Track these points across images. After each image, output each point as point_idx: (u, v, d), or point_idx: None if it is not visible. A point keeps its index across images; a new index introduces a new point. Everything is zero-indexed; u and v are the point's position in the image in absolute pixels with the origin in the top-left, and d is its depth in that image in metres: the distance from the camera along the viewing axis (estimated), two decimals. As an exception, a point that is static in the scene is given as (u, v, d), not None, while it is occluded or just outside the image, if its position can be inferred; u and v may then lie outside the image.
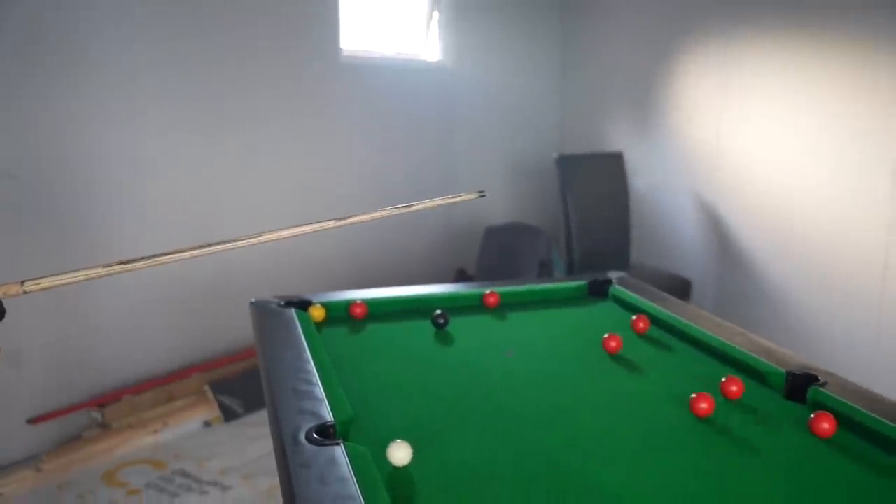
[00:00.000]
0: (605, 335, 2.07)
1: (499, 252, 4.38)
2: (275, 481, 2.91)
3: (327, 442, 1.45)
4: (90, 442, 3.29)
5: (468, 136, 5.05)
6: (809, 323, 3.78)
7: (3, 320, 1.83)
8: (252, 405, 3.67)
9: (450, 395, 1.81)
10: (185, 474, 3.14)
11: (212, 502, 2.93)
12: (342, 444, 1.42)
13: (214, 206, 3.85)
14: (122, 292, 3.49)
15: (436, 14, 4.92)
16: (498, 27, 5.10)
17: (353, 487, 1.26)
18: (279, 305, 2.39)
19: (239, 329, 3.85)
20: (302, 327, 2.17)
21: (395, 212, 1.90)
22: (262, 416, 3.55)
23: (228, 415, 3.63)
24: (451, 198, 2.54)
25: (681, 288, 4.19)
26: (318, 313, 2.34)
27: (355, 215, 1.68)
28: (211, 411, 3.63)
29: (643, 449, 1.53)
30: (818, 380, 1.80)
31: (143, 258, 1.38)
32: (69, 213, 3.36)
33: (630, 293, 2.57)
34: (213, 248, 1.50)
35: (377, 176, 4.60)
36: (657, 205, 4.67)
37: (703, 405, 1.66)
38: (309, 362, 1.89)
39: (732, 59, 4.04)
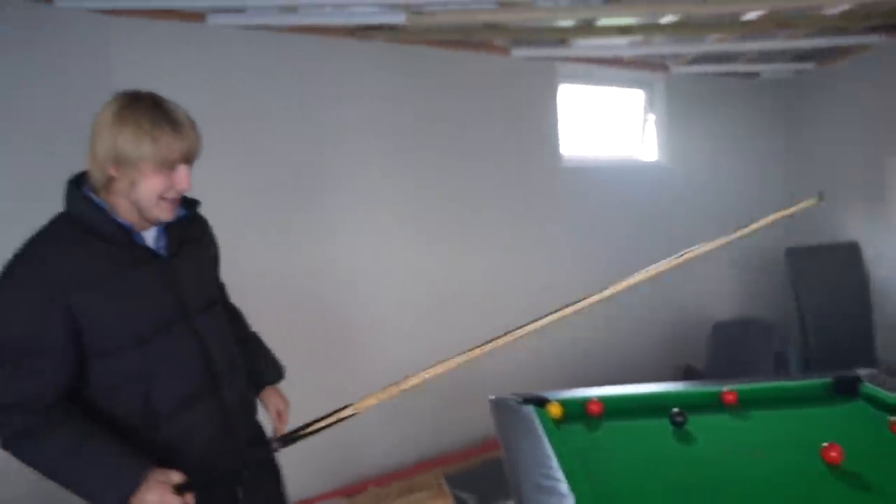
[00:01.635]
0: (824, 444, 1.97)
1: (729, 348, 4.25)
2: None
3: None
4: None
5: (692, 231, 5.00)
6: None
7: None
8: (487, 499, 3.76)
9: (690, 494, 1.82)
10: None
11: None
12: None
13: (456, 309, 4.09)
14: (368, 384, 3.78)
15: (651, 115, 5.02)
16: (717, 122, 5.10)
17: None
18: (517, 402, 2.51)
19: (473, 423, 4.02)
20: (541, 423, 2.27)
21: (693, 254, 2.05)
22: (497, 510, 3.65)
23: (461, 507, 3.75)
24: (786, 211, 2.50)
25: (940, 386, 3.82)
26: (555, 410, 2.42)
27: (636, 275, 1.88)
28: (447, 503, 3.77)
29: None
30: None
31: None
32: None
33: (885, 391, 2.42)
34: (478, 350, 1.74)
35: (597, 272, 4.68)
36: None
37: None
38: (551, 458, 1.98)
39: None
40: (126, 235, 1.72)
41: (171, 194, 1.72)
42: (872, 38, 4.35)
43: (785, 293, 4.34)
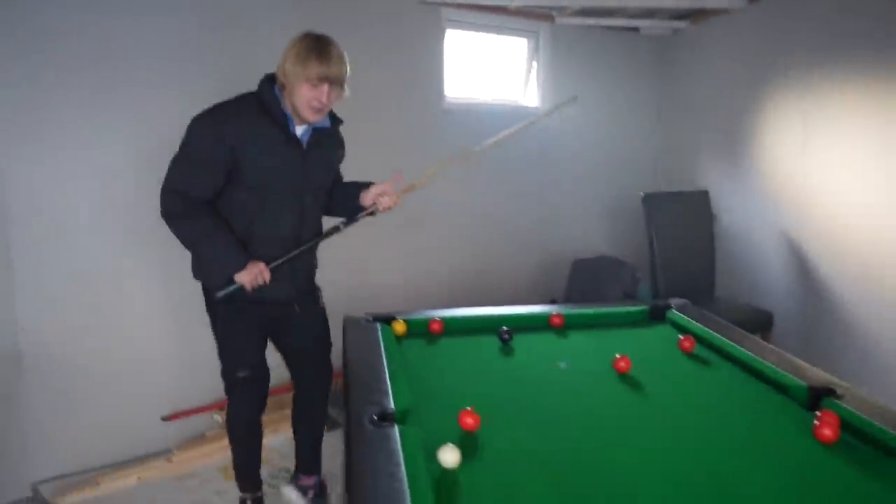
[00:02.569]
0: (616, 356, 2.31)
1: (586, 283, 4.62)
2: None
3: (385, 424, 1.77)
4: (212, 440, 3.75)
5: (565, 176, 5.32)
6: (888, 358, 3.81)
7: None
8: (353, 416, 4.03)
9: (499, 395, 2.11)
10: (288, 471, 3.54)
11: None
12: (397, 427, 1.74)
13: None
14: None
15: (535, 63, 5.26)
16: (595, 72, 5.37)
17: (400, 456, 1.58)
18: (367, 320, 2.76)
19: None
20: (384, 338, 2.52)
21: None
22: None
23: (332, 425, 4.01)
24: (548, 111, 3.47)
25: (763, 320, 4.29)
26: (399, 327, 2.69)
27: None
28: (317, 420, 4.02)
29: (655, 444, 1.77)
30: (836, 392, 1.99)
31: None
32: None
33: (685, 317, 2.78)
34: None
35: (478, 216, 4.94)
36: (743, 241, 4.78)
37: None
38: (383, 364, 2.24)
39: (814, 102, 4.16)
40: (285, 122, 2.49)
41: (314, 104, 2.43)
42: (740, 3, 4.68)
43: (641, 235, 4.71)
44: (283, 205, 2.57)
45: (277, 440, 3.87)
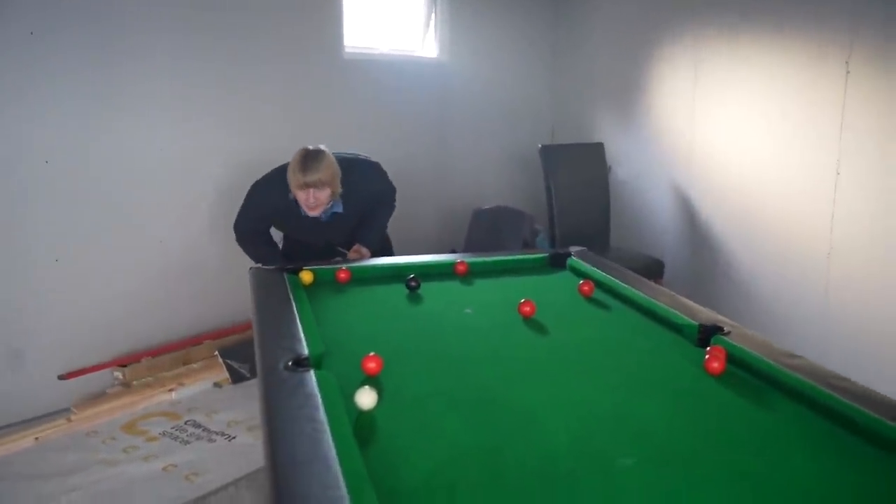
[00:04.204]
0: (521, 301, 2.39)
1: (486, 233, 4.72)
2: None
3: (301, 369, 1.80)
4: (113, 398, 3.68)
5: (464, 128, 5.39)
6: (768, 299, 4.10)
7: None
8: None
9: (409, 341, 2.17)
10: (196, 424, 3.51)
11: (219, 448, 3.30)
12: (313, 371, 1.77)
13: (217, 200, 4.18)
14: (143, 262, 3.89)
15: (433, 13, 5.26)
16: (493, 24, 5.42)
17: (318, 400, 1.62)
18: (274, 270, 2.76)
19: (247, 300, 4.23)
20: (291, 288, 2.54)
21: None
22: (267, 377, 3.94)
23: (236, 377, 4.00)
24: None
25: (655, 267, 4.51)
26: (307, 276, 2.70)
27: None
28: (220, 374, 4.00)
29: (559, 381, 1.87)
30: (723, 330, 2.14)
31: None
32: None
33: (584, 264, 2.91)
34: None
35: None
36: (636, 193, 5.00)
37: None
38: (293, 313, 2.26)
39: (702, 58, 4.36)
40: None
41: (308, 203, 2.98)
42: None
43: (539, 186, 4.84)
44: (311, 244, 3.34)
45: (185, 394, 3.83)
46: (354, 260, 3.10)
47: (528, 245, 4.48)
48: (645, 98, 4.85)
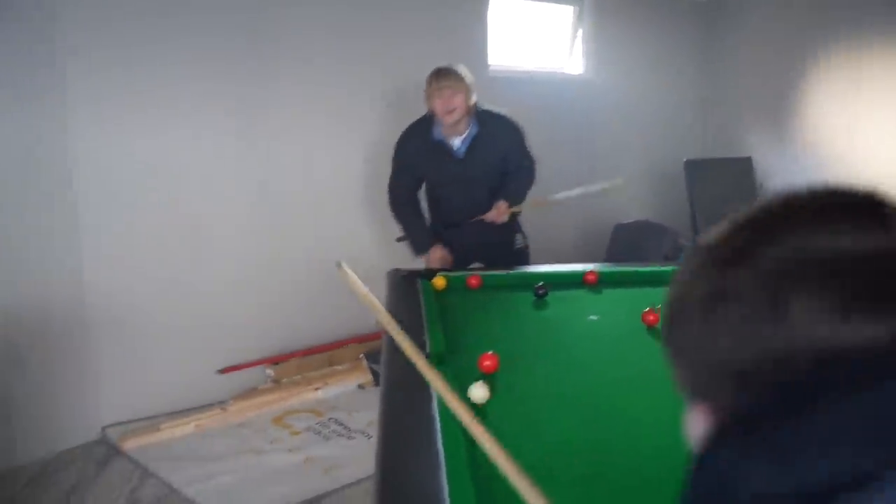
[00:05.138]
0: (645, 310, 2.36)
1: (627, 247, 4.67)
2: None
3: (421, 364, 1.90)
4: (264, 393, 3.96)
5: (609, 142, 5.37)
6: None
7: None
8: (398, 374, 4.19)
9: (530, 343, 2.23)
10: (338, 422, 3.72)
11: (357, 445, 3.48)
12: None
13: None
14: (294, 270, 4.16)
15: (580, 30, 5.29)
16: (640, 38, 5.39)
17: (432, 391, 1.72)
18: (409, 274, 2.89)
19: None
20: (423, 291, 2.65)
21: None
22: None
23: (378, 380, 4.18)
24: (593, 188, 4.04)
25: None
26: (439, 282, 2.81)
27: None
28: (364, 376, 4.20)
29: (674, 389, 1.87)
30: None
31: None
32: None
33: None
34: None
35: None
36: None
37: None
38: (421, 314, 2.37)
39: (866, 63, 4.14)
40: (440, 143, 3.29)
41: (441, 111, 3.15)
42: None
43: (682, 202, 4.75)
44: (453, 195, 3.41)
45: (330, 393, 4.05)
46: (493, 219, 3.28)
47: (669, 260, 4.40)
48: (798, 111, 4.66)
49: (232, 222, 3.97)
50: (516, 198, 3.38)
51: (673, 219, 5.18)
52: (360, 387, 4.19)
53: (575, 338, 2.29)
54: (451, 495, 1.27)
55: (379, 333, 4.48)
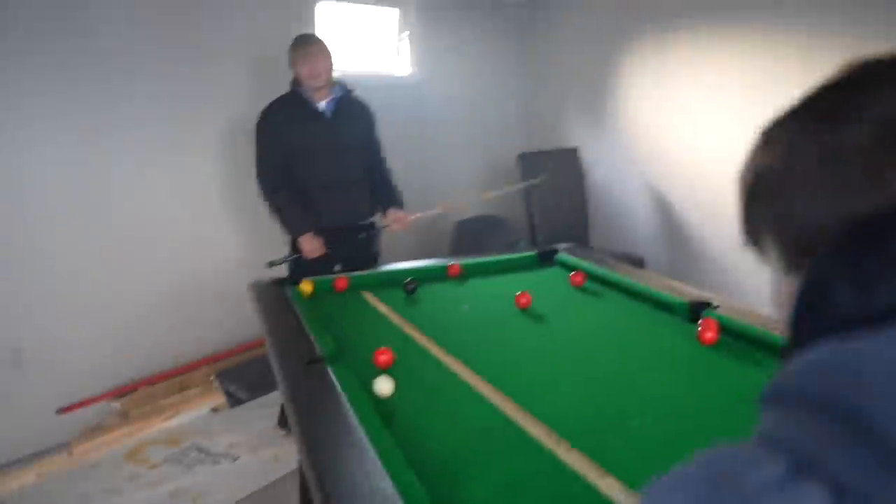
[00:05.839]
0: (517, 294, 2.49)
1: (470, 242, 4.81)
2: (278, 449, 3.32)
3: (318, 366, 1.87)
4: (112, 429, 3.69)
5: (443, 142, 5.48)
6: (744, 284, 4.23)
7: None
8: (255, 391, 4.05)
9: (413, 337, 2.24)
10: (199, 449, 3.54)
11: (224, 470, 3.33)
12: (329, 367, 1.85)
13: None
14: (134, 293, 3.91)
15: (405, 32, 5.37)
16: (463, 41, 5.55)
17: (339, 389, 1.69)
18: (272, 284, 2.82)
19: (241, 324, 4.27)
20: (295, 299, 2.60)
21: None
22: (264, 400, 3.98)
23: (233, 401, 4.02)
24: (519, 186, 4.54)
25: (635, 264, 4.62)
26: (306, 287, 2.76)
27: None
28: (218, 399, 4.02)
29: (563, 360, 1.96)
30: (712, 304, 2.24)
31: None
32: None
33: (572, 257, 3.01)
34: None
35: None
36: (612, 194, 5.12)
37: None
38: (299, 320, 2.32)
39: (666, 60, 4.51)
40: (307, 103, 3.38)
41: (309, 74, 3.31)
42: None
43: (518, 193, 4.95)
44: (324, 160, 3.42)
45: (183, 420, 3.85)
46: (400, 229, 3.54)
47: (510, 249, 4.57)
48: (614, 101, 4.99)
49: (64, 242, 3.67)
50: (400, 201, 3.64)
51: (509, 210, 5.39)
52: (215, 410, 4.01)
53: (454, 327, 2.33)
54: (387, 467, 1.27)
55: (230, 351, 4.34)
